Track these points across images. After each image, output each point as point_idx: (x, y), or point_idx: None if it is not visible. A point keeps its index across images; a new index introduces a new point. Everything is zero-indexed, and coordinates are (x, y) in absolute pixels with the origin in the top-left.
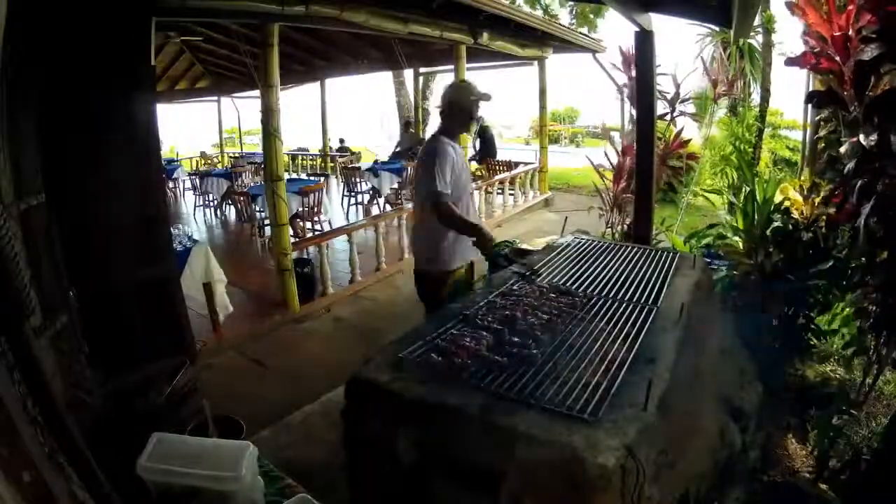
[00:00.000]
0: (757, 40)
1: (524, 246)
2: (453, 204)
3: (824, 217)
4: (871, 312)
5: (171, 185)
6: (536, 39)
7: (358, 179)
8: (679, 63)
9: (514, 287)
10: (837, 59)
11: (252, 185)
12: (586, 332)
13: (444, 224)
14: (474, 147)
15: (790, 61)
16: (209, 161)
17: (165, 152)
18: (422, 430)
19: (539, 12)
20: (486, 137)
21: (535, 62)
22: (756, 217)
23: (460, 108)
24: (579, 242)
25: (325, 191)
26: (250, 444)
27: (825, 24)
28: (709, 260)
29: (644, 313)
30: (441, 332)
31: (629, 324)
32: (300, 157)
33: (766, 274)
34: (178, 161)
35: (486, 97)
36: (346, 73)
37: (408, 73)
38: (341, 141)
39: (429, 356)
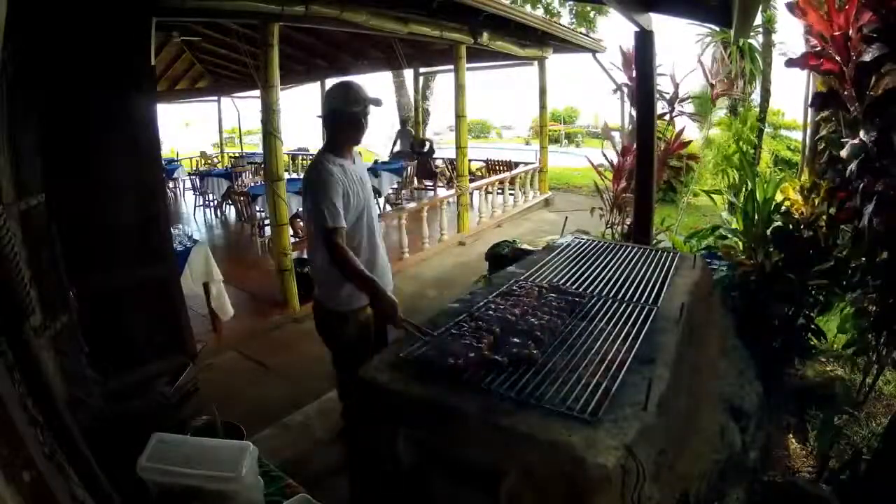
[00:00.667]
0: (757, 40)
1: (524, 246)
2: (346, 240)
3: (824, 217)
4: (871, 312)
5: (171, 185)
6: (536, 39)
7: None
8: (679, 63)
9: (515, 287)
10: (838, 59)
11: (252, 185)
12: (586, 332)
13: (337, 267)
14: (415, 151)
15: (791, 62)
16: (209, 161)
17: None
18: (422, 430)
19: (540, 11)
20: (423, 152)
21: (535, 62)
22: (756, 217)
23: (346, 117)
24: (579, 242)
25: None
26: (250, 444)
27: (825, 23)
28: (709, 260)
29: (644, 313)
30: (441, 333)
31: (629, 324)
32: (300, 157)
33: (766, 274)
34: (178, 161)
35: (376, 102)
36: (346, 73)
37: (408, 73)
38: None
39: (429, 356)
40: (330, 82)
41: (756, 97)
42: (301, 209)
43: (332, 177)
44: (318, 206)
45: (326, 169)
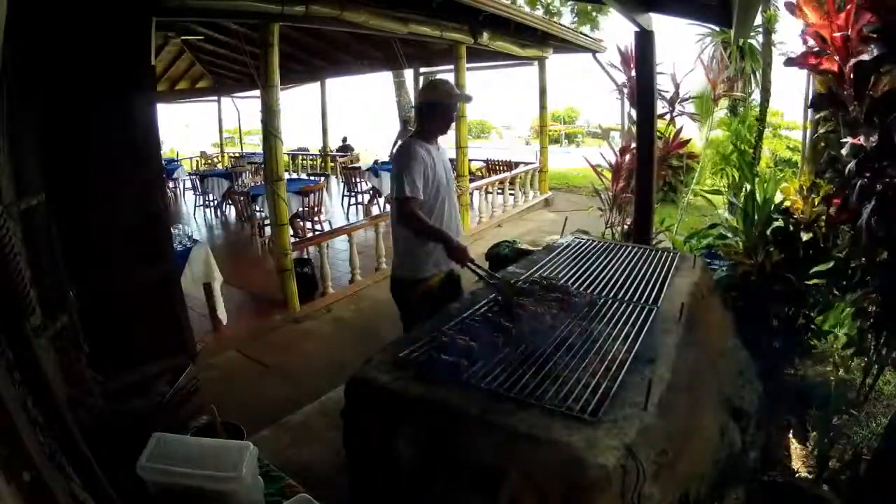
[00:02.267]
0: (757, 40)
1: (524, 246)
2: (424, 212)
3: (824, 217)
4: (871, 312)
5: (171, 185)
6: (536, 39)
7: (358, 179)
8: (679, 63)
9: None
10: (837, 59)
11: (252, 185)
12: (586, 332)
13: (406, 227)
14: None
15: (790, 62)
16: (209, 161)
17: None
18: (422, 429)
19: (540, 11)
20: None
21: (535, 62)
22: (756, 217)
23: (439, 108)
24: (579, 242)
25: (325, 191)
26: (250, 444)
27: (825, 23)
28: (709, 260)
29: (644, 313)
30: (441, 332)
31: (629, 324)
32: (300, 157)
33: (766, 274)
34: (178, 161)
35: (468, 98)
36: (346, 73)
37: (408, 73)
38: (344, 140)
39: (429, 356)
40: (330, 82)
41: (756, 97)
42: (301, 209)
43: (417, 156)
44: (400, 178)
45: (413, 150)
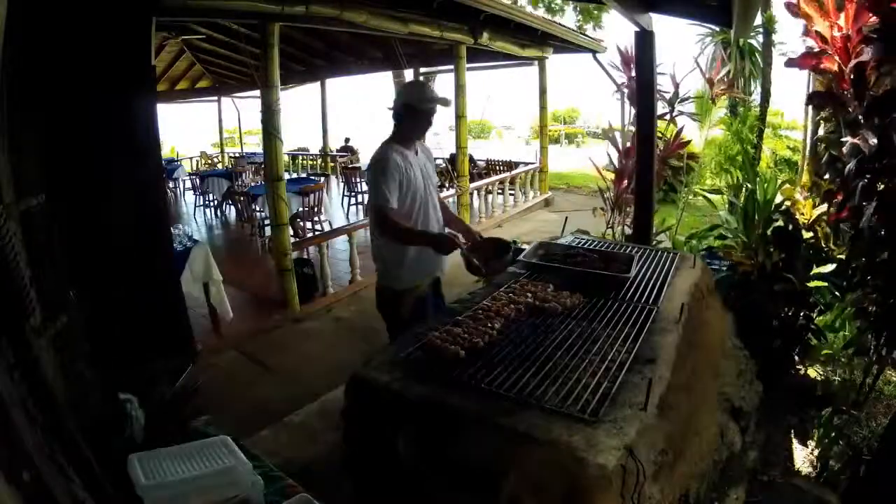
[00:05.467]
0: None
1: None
2: (403, 218)
3: (825, 217)
4: (871, 313)
5: (171, 185)
6: (536, 39)
7: (358, 179)
8: (679, 63)
9: (515, 286)
10: (837, 59)
11: (252, 185)
12: (586, 331)
13: (389, 238)
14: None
15: (790, 62)
16: (209, 161)
17: (165, 152)
18: (422, 429)
19: (541, 10)
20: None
21: (536, 62)
22: (757, 217)
23: (416, 111)
24: (579, 242)
25: (325, 191)
26: (224, 436)
27: (825, 23)
28: (709, 260)
29: (644, 313)
30: (441, 333)
31: (629, 324)
32: (300, 157)
33: (766, 274)
34: (178, 161)
35: (445, 102)
36: (347, 73)
37: (408, 73)
38: (346, 140)
39: (428, 356)
40: (330, 82)
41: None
42: (301, 209)
43: (394, 163)
44: (375, 184)
45: (387, 156)
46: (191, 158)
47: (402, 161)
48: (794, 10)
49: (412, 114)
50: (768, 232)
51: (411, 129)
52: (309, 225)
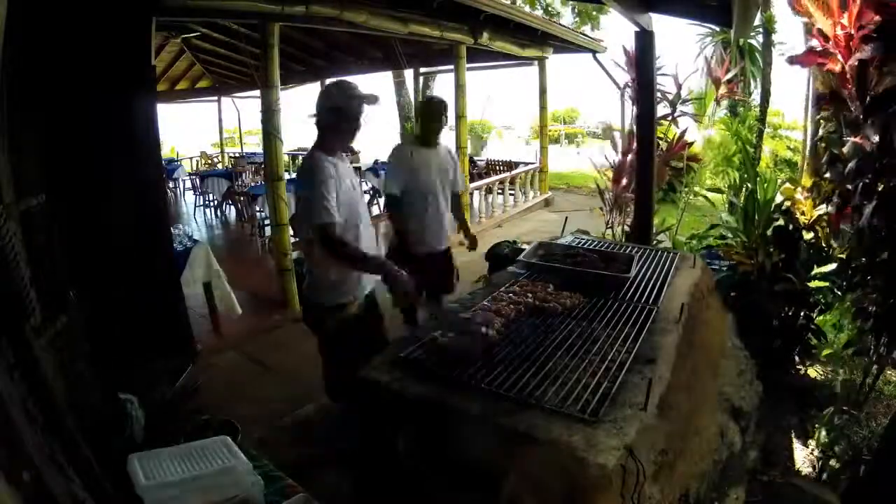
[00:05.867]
0: (757, 40)
1: (524, 246)
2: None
3: (825, 217)
4: (871, 312)
5: (171, 185)
6: (536, 39)
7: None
8: (680, 63)
9: (515, 286)
10: (840, 57)
11: (252, 185)
12: (586, 331)
13: (342, 261)
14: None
15: (792, 60)
16: (210, 161)
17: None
18: (422, 430)
19: (539, 12)
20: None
21: (535, 62)
22: (757, 217)
23: (342, 115)
24: (580, 242)
25: None
26: (224, 437)
27: (828, 21)
28: (709, 260)
29: (644, 313)
30: (441, 332)
31: (629, 324)
32: (300, 157)
33: (766, 274)
34: (178, 161)
35: (371, 99)
36: (347, 73)
37: (408, 73)
38: None
39: (428, 356)
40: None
41: (756, 97)
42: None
43: (324, 172)
44: (311, 201)
45: (318, 165)
46: (191, 158)
47: (333, 170)
48: (797, 6)
49: (333, 117)
50: (768, 232)
51: (335, 134)
52: None
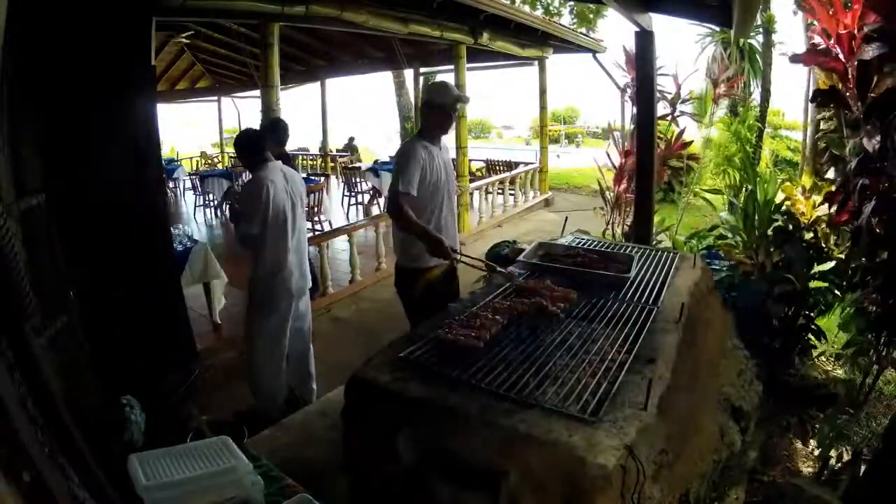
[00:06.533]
0: (757, 40)
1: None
2: (420, 207)
3: (825, 217)
4: (871, 312)
5: (171, 185)
6: (536, 39)
7: (358, 179)
8: (680, 63)
9: (516, 286)
10: (841, 57)
11: None
12: (586, 331)
13: (394, 220)
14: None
15: (795, 58)
16: (209, 161)
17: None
18: (422, 430)
19: (539, 12)
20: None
21: (535, 62)
22: (757, 217)
23: (437, 109)
24: (579, 242)
25: (325, 191)
26: (225, 437)
27: (832, 21)
28: (709, 260)
29: (644, 313)
30: (441, 332)
31: (629, 324)
32: (300, 157)
33: (766, 274)
34: (178, 161)
35: (465, 99)
36: (347, 73)
37: (408, 73)
38: (350, 140)
39: (428, 356)
40: (330, 82)
41: (756, 97)
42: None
43: (416, 155)
44: (396, 173)
45: (412, 148)
46: (191, 158)
47: (426, 154)
48: (801, 5)
49: (435, 110)
50: (768, 232)
51: (433, 124)
52: (309, 225)
